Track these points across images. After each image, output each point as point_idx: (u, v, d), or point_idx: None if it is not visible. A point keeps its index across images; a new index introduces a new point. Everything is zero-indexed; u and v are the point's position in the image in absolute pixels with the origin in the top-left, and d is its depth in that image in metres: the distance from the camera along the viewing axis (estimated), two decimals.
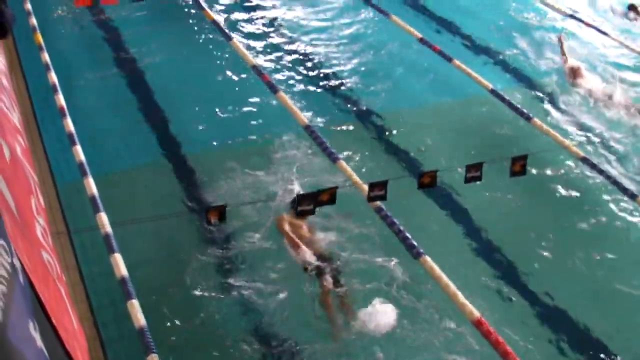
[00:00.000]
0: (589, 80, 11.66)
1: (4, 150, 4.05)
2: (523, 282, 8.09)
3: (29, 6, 12.91)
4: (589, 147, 10.05)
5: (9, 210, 3.35)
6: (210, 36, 12.78)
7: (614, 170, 9.61)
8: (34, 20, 12.38)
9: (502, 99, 10.54)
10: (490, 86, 10.79)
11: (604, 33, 12.75)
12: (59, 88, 10.29)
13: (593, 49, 12.97)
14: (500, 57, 12.46)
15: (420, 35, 12.01)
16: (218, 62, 11.86)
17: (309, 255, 7.86)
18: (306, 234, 8.19)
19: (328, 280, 7.64)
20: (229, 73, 11.58)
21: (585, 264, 8.31)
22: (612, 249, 8.54)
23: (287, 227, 8.15)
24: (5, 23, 3.87)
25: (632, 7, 14.53)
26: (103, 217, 7.49)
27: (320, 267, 7.77)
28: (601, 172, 9.10)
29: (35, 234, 4.19)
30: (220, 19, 13.18)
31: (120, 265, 6.70)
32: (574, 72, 11.77)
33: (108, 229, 7.28)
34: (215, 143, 9.98)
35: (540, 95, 11.31)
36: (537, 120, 10.02)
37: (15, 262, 2.56)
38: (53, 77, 10.62)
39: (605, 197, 9.25)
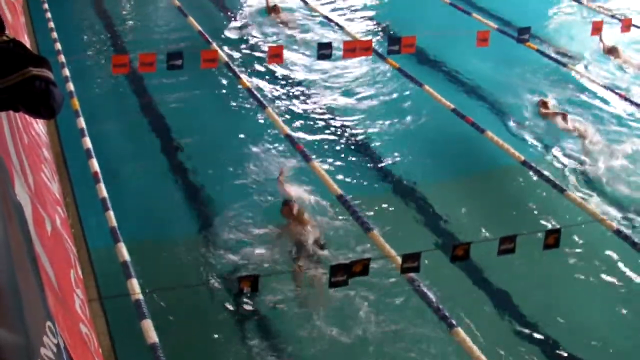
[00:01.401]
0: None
1: (45, 224, 4.10)
2: None
3: (67, 72, 13.25)
4: (623, 221, 9.95)
5: (50, 285, 3.38)
6: (246, 105, 12.92)
7: None
8: (71, 86, 12.68)
9: (535, 171, 10.55)
10: (522, 158, 10.82)
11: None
12: (92, 153, 10.49)
13: None
14: (532, 128, 12.44)
15: (452, 106, 12.11)
16: (253, 129, 11.96)
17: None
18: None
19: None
20: (264, 141, 11.66)
21: None
22: None
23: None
24: (54, 104, 3.94)
25: (610, 51, 15.20)
26: (134, 284, 7.54)
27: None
28: (634, 244, 9.01)
29: (74, 307, 4.21)
30: (254, 87, 13.36)
31: (150, 331, 6.73)
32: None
33: (139, 295, 7.33)
34: (248, 212, 10.01)
35: (574, 167, 11.25)
36: (570, 193, 10.00)
37: (60, 341, 2.57)
38: (87, 142, 10.83)
39: None
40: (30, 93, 3.84)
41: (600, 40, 14.59)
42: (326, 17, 17.18)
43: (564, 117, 12.33)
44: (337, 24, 16.69)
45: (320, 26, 17.20)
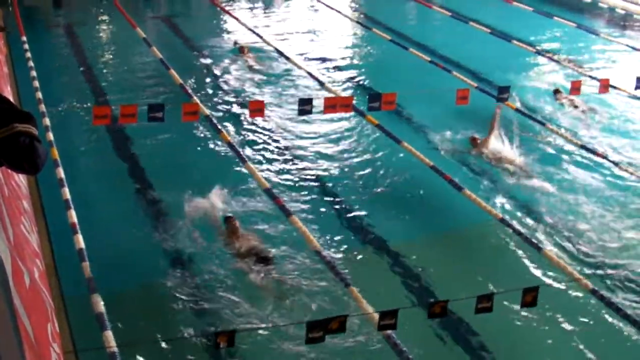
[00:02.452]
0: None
1: (24, 278, 4.09)
2: None
3: (47, 121, 13.30)
4: (603, 281, 10.01)
5: (28, 341, 3.37)
6: (226, 156, 12.97)
7: (626, 302, 9.55)
8: (50, 135, 12.72)
9: (513, 228, 10.65)
10: (500, 215, 10.93)
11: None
12: (71, 203, 10.51)
13: None
14: (509, 186, 12.53)
15: (431, 163, 12.24)
16: (233, 184, 11.97)
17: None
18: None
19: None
20: (243, 196, 11.69)
21: None
22: None
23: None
24: (38, 160, 3.96)
25: (556, 91, 16.18)
26: (109, 336, 7.51)
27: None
28: (610, 304, 9.08)
29: None
30: (235, 141, 13.43)
31: None
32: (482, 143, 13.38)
33: (114, 348, 7.28)
34: (225, 264, 9.99)
35: (551, 224, 11.33)
36: (547, 251, 10.09)
37: None
38: (66, 192, 10.85)
39: (620, 327, 9.15)
40: (15, 149, 3.87)
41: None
42: (310, 74, 17.35)
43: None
44: (318, 81, 16.86)
45: (298, 76, 17.43)
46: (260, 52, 19.26)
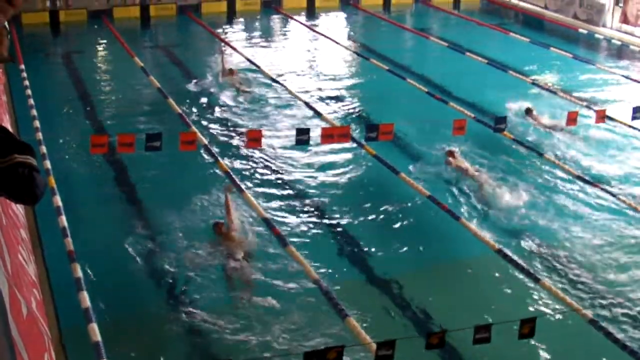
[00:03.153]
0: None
1: (22, 308, 4.08)
2: None
3: (44, 149, 13.33)
4: (601, 311, 9.99)
5: None
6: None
7: (622, 334, 9.52)
8: (48, 163, 12.73)
9: (509, 259, 10.63)
10: (497, 246, 10.91)
11: None
12: (68, 232, 10.50)
13: None
14: (509, 216, 12.52)
15: (428, 193, 12.25)
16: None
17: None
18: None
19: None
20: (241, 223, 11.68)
21: None
22: None
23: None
24: (37, 191, 3.97)
25: (528, 111, 16.71)
26: None
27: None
28: (608, 334, 9.05)
29: None
30: (233, 171, 13.41)
31: None
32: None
33: None
34: (222, 297, 9.98)
35: (548, 255, 11.32)
36: (545, 282, 10.08)
37: None
38: (63, 220, 10.85)
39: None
40: (14, 180, 3.88)
41: None
42: (307, 104, 17.39)
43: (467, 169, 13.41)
44: (315, 111, 16.87)
45: (296, 106, 17.49)
46: (259, 82, 19.35)
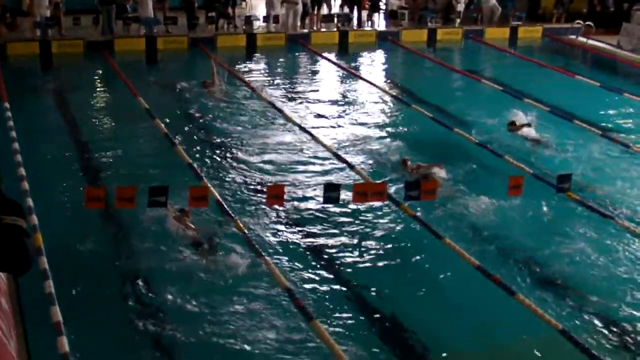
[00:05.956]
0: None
1: None
2: None
3: (30, 202, 13.43)
4: None
5: None
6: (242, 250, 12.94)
7: None
8: (34, 219, 12.83)
9: (575, 342, 10.47)
10: (560, 326, 10.78)
11: None
12: (56, 300, 10.54)
13: None
14: (571, 290, 12.42)
15: (477, 263, 12.16)
16: (249, 282, 11.98)
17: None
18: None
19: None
20: (260, 296, 11.68)
21: None
22: None
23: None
24: (28, 257, 3.92)
25: (511, 123, 19.15)
26: None
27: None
28: None
29: None
30: (250, 233, 13.39)
31: None
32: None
33: None
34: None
35: (623, 337, 11.18)
36: None
37: None
38: (50, 285, 10.89)
39: None
40: (2, 245, 3.78)
41: None
42: (337, 156, 17.42)
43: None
44: (347, 163, 16.87)
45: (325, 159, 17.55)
46: (283, 129, 19.50)
